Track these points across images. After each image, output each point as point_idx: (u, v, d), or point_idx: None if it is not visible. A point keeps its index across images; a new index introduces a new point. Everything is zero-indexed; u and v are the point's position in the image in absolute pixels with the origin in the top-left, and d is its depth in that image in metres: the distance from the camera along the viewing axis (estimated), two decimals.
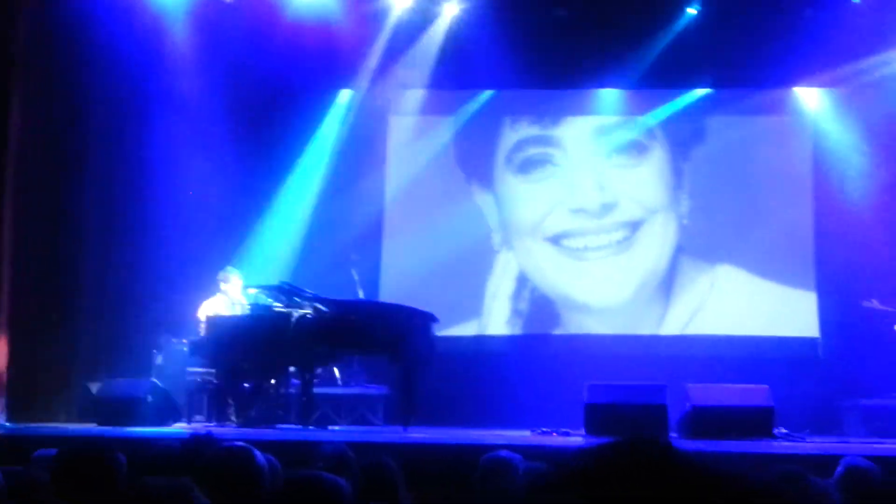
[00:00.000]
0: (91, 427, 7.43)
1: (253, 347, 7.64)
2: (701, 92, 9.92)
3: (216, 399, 8.01)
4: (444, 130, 10.26)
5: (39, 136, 8.47)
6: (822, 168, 9.78)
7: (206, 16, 9.33)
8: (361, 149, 10.07)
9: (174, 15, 9.20)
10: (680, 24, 9.53)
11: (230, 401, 7.98)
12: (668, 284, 9.87)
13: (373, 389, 9.15)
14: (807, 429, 7.79)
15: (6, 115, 8.00)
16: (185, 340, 8.39)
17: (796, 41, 9.28)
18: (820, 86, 9.85)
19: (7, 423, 7.69)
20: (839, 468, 3.68)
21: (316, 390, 8.17)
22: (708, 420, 7.05)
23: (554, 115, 10.17)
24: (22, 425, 7.63)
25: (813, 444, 6.91)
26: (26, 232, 8.30)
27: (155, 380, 8.17)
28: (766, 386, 7.40)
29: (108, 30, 8.72)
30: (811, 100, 9.94)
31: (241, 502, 2.68)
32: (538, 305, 9.95)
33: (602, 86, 10.04)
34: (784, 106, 9.96)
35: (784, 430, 7.24)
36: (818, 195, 9.75)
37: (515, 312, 9.96)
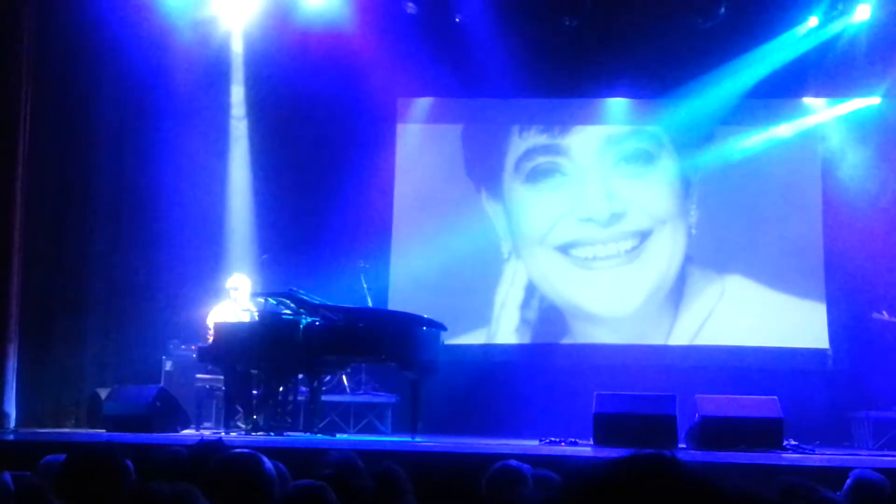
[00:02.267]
0: (100, 433, 7.44)
1: (261, 354, 7.65)
2: (710, 101, 9.89)
3: (225, 406, 8.02)
4: (453, 139, 10.28)
5: (48, 142, 8.50)
6: (831, 178, 9.76)
7: (212, 21, 9.37)
8: (370, 157, 10.09)
9: (182, 18, 9.22)
10: (688, 32, 9.53)
11: (238, 407, 7.99)
12: (676, 294, 9.86)
13: (381, 397, 9.15)
14: (816, 440, 7.76)
15: (15, 119, 8.03)
16: (193, 347, 8.41)
17: (806, 52, 9.28)
18: (829, 96, 9.84)
19: (16, 429, 7.71)
20: (848, 480, 3.66)
21: (324, 398, 8.19)
22: (717, 431, 7.02)
23: (562, 124, 10.17)
24: (31, 431, 7.65)
25: (822, 456, 6.87)
26: (35, 239, 8.32)
27: (164, 386, 8.19)
28: (775, 397, 7.37)
29: (117, 32, 8.75)
30: (820, 110, 9.92)
31: None
32: (547, 315, 9.94)
33: (610, 95, 10.04)
34: (793, 116, 9.94)
35: (794, 442, 7.21)
36: (827, 205, 9.73)
37: (524, 321, 9.95)
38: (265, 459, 2.88)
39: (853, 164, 9.67)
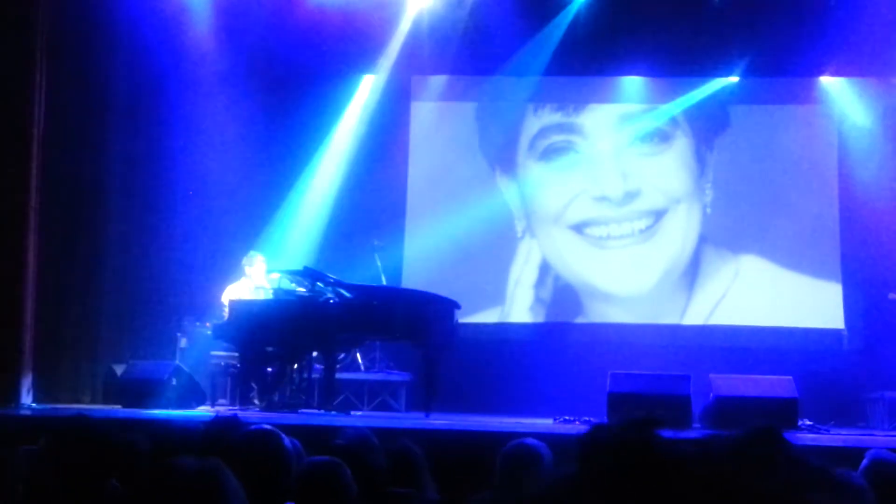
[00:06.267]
0: (115, 409, 7.49)
1: (276, 332, 7.67)
2: (725, 80, 9.82)
3: (239, 383, 8.05)
4: (467, 116, 10.24)
5: (62, 121, 8.50)
6: (847, 158, 9.68)
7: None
8: (384, 134, 10.07)
9: None
10: (704, 11, 9.44)
11: (253, 385, 8.02)
12: (691, 274, 9.82)
13: (395, 375, 9.17)
14: (831, 421, 7.74)
15: (30, 99, 8.04)
16: (208, 324, 8.44)
17: (822, 29, 9.19)
18: (846, 75, 9.75)
19: (32, 404, 7.77)
20: (865, 461, 3.64)
21: (338, 375, 8.20)
22: (731, 410, 7.01)
23: (577, 102, 10.12)
24: (47, 407, 7.70)
25: (838, 436, 6.86)
26: (51, 215, 8.35)
27: (179, 363, 8.22)
28: (790, 377, 7.35)
29: (130, 13, 8.74)
30: (837, 89, 9.84)
31: (269, 484, 2.70)
32: (561, 293, 9.93)
33: (626, 73, 9.98)
34: (810, 95, 9.87)
35: (809, 422, 7.20)
36: (844, 185, 9.66)
37: (538, 300, 9.94)
38: (283, 436, 2.89)
39: (870, 143, 9.59)
